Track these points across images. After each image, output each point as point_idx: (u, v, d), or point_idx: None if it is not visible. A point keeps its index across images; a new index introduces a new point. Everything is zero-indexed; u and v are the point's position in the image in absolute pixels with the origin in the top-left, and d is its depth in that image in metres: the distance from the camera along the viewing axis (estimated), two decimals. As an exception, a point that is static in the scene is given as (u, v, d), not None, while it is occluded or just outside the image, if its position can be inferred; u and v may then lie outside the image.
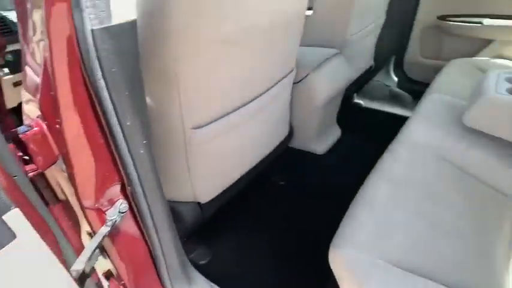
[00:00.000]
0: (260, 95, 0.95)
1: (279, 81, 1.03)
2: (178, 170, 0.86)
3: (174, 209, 0.91)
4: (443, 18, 1.79)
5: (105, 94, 0.42)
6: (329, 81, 1.28)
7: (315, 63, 1.27)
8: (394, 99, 2.01)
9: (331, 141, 1.54)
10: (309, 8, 1.44)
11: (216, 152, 0.90)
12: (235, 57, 0.77)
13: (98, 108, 0.44)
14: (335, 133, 1.60)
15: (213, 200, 0.99)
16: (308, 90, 1.26)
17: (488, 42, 1.73)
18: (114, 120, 0.45)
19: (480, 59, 1.66)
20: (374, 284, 0.60)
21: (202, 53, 0.68)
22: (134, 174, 0.52)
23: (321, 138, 1.49)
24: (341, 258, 0.67)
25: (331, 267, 0.70)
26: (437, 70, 1.54)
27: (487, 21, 1.68)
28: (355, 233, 0.70)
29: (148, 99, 0.72)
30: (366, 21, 1.55)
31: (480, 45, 1.76)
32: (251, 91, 0.92)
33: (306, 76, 1.25)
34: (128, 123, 0.46)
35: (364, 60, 1.79)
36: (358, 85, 1.95)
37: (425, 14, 1.83)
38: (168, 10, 0.58)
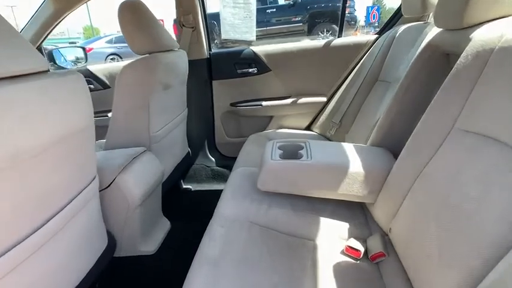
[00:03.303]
0: (58, 212, 0.84)
1: (79, 192, 0.95)
2: None
3: None
4: (234, 104, 2.15)
5: None
6: (139, 179, 1.27)
7: (121, 165, 1.24)
8: (216, 177, 2.19)
9: (161, 236, 1.48)
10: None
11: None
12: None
13: None
14: (164, 226, 1.55)
15: None
16: (118, 194, 1.21)
17: (270, 118, 2.17)
18: None
19: (269, 131, 2.05)
20: None
21: None
22: None
23: (148, 237, 1.42)
24: None
25: None
26: (241, 145, 1.79)
27: (265, 103, 2.12)
28: None
29: None
30: (169, 116, 1.67)
31: (266, 121, 2.18)
32: (47, 209, 0.80)
33: (113, 180, 1.20)
34: None
35: (179, 148, 1.90)
36: (182, 171, 2.03)
37: (220, 103, 2.14)
38: None
